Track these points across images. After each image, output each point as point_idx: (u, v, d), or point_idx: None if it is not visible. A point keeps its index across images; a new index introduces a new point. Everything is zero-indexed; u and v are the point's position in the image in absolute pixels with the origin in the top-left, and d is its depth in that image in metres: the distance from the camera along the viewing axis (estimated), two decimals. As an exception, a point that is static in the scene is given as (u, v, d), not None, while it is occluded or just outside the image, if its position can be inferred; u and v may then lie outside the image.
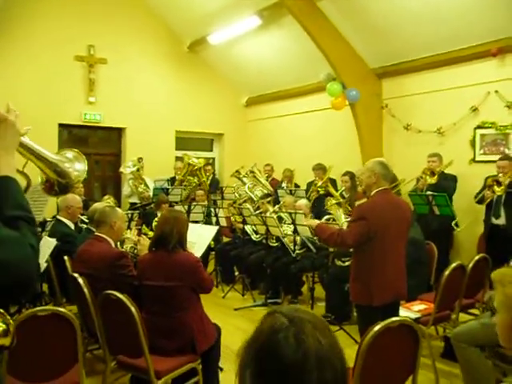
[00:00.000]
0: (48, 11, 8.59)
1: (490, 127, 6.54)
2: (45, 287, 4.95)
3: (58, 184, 1.51)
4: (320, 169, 7.78)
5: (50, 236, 4.18)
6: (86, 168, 1.65)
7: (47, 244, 3.75)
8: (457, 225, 5.95)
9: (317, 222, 3.95)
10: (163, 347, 3.09)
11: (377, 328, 2.40)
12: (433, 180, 6.04)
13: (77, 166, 1.58)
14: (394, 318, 2.49)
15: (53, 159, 1.51)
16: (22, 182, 1.46)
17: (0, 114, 1.28)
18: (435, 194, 5.81)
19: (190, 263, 3.19)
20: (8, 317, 1.72)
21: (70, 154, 1.62)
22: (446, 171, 6.38)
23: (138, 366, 3.01)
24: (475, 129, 6.71)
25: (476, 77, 6.60)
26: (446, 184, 6.18)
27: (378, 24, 7.12)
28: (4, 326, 1.68)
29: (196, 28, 9.36)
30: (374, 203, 3.51)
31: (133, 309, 2.84)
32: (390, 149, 7.89)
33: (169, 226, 3.19)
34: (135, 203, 8.61)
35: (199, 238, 3.99)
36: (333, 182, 7.58)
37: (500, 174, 5.47)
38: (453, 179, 6.33)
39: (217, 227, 4.58)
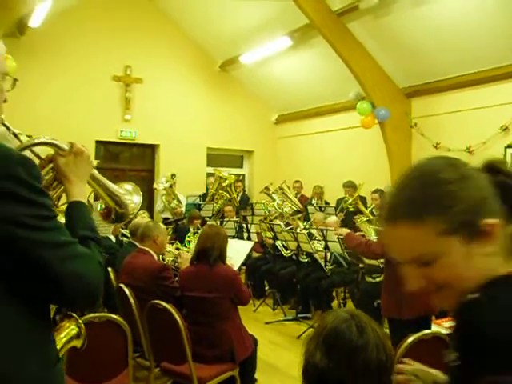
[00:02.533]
0: (89, 34, 9.01)
1: (521, 146, 6.59)
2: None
3: (115, 212, 1.68)
4: (350, 186, 7.91)
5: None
6: (141, 201, 1.82)
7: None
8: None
9: (347, 230, 4.08)
10: (204, 355, 3.26)
11: (410, 339, 2.52)
12: None
13: (135, 199, 1.75)
14: (427, 331, 2.61)
15: (115, 190, 1.68)
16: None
17: (78, 147, 1.45)
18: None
19: (230, 276, 3.38)
20: (80, 321, 1.91)
21: (129, 186, 1.80)
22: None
23: (181, 373, 3.19)
24: (506, 148, 6.75)
25: (505, 96, 6.65)
26: None
27: (407, 44, 7.27)
28: (77, 329, 1.88)
29: (228, 48, 9.66)
30: None
31: (178, 318, 3.02)
32: (419, 167, 7.95)
33: (210, 241, 3.38)
34: (168, 218, 8.85)
35: (235, 253, 4.17)
36: (363, 199, 7.69)
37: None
38: None
39: (252, 242, 4.76)
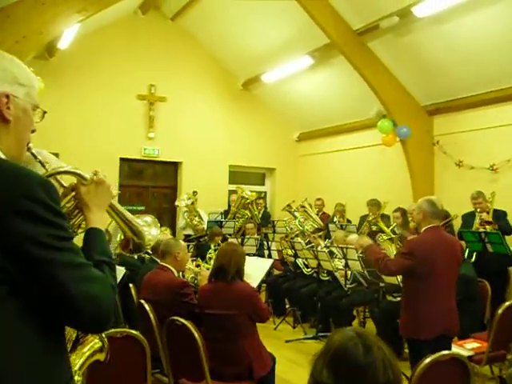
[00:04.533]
0: (115, 55, 9.27)
1: (545, 163, 6.50)
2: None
3: (133, 243, 1.71)
4: (374, 204, 7.85)
5: (118, 265, 4.50)
6: (159, 234, 1.87)
7: (118, 272, 4.06)
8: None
9: (369, 241, 4.05)
10: (222, 372, 3.28)
11: (427, 361, 2.51)
12: (492, 228, 5.98)
13: (152, 232, 1.81)
14: (445, 352, 2.59)
15: (133, 221, 1.71)
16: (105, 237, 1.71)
17: (100, 177, 1.51)
18: (488, 231, 5.79)
19: (248, 293, 3.41)
20: (103, 335, 1.98)
21: (148, 218, 1.85)
22: (496, 207, 6.32)
23: (198, 389, 3.22)
24: (530, 165, 6.68)
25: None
26: (503, 225, 6.12)
27: (428, 62, 7.28)
28: (100, 343, 1.95)
29: (250, 67, 9.81)
30: (423, 239, 3.65)
31: (196, 334, 3.06)
32: (441, 185, 7.92)
33: (227, 258, 3.43)
34: (189, 235, 8.94)
35: (255, 270, 4.20)
36: (386, 217, 7.65)
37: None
38: (504, 216, 6.28)
39: (272, 260, 4.80)
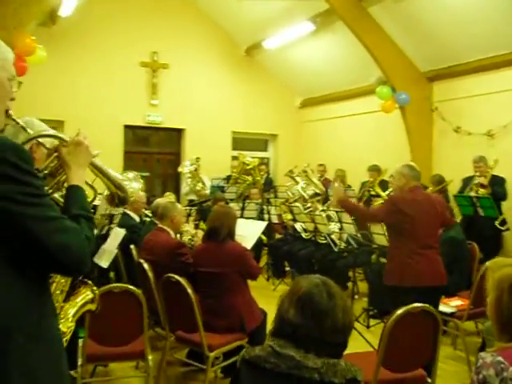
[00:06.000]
0: (117, 22, 9.32)
1: (542, 129, 6.57)
2: (111, 274, 5.54)
3: (117, 197, 1.90)
4: (375, 170, 7.99)
5: (119, 227, 4.72)
6: (141, 187, 2.05)
7: (117, 233, 4.28)
8: (502, 224, 6.01)
9: (340, 199, 4.26)
10: (215, 325, 3.53)
11: (399, 312, 2.72)
12: (486, 192, 6.11)
13: (134, 185, 1.99)
14: (416, 304, 2.79)
15: (115, 177, 1.89)
16: (92, 193, 1.88)
17: (77, 139, 1.66)
18: (479, 195, 5.94)
19: (238, 252, 3.64)
20: (94, 288, 2.20)
21: (131, 174, 2.04)
22: (494, 173, 6.44)
23: (193, 341, 3.48)
24: (526, 131, 6.75)
25: (527, 80, 6.65)
26: (499, 191, 6.24)
27: (429, 28, 7.28)
28: (92, 294, 2.17)
29: (252, 33, 9.81)
30: (405, 196, 3.88)
31: (189, 290, 3.29)
32: (439, 151, 8.03)
33: (219, 220, 3.65)
34: (193, 200, 9.16)
35: (249, 232, 4.41)
36: (386, 183, 7.78)
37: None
38: (502, 182, 6.39)
39: (266, 223, 4.99)
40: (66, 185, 1.65)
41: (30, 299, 1.35)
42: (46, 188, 1.65)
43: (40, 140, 1.74)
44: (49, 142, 1.75)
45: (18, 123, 1.62)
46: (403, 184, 3.92)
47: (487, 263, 1.93)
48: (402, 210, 3.81)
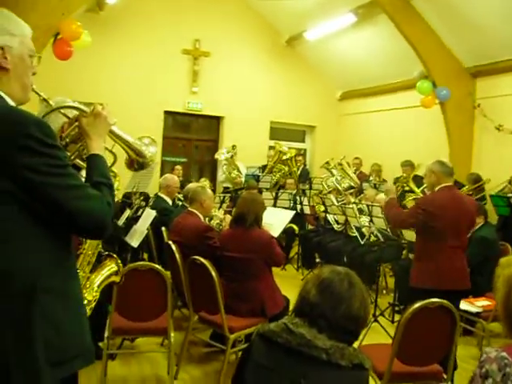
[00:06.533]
0: (162, 9, 9.48)
1: None
2: (145, 256, 5.74)
3: (136, 162, 2.01)
4: (408, 165, 7.92)
5: (151, 209, 4.89)
6: (157, 151, 2.13)
7: (148, 214, 4.44)
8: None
9: (393, 196, 4.22)
10: (238, 309, 3.63)
11: (416, 306, 2.74)
12: None
13: (151, 149, 2.07)
14: (434, 300, 2.80)
15: (133, 142, 2.00)
16: (111, 158, 1.96)
17: (96, 110, 1.77)
18: (516, 196, 5.82)
19: (264, 239, 3.71)
20: (119, 260, 2.33)
21: (146, 140, 2.13)
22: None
23: (215, 322, 3.59)
24: None
25: None
26: None
27: (474, 22, 7.10)
28: (116, 267, 2.30)
29: (294, 24, 9.80)
30: (434, 197, 3.81)
31: (213, 273, 3.40)
32: (480, 149, 7.86)
33: (247, 206, 3.73)
34: (228, 188, 9.28)
35: (277, 221, 4.48)
36: (420, 178, 7.68)
37: None
38: None
39: (293, 212, 5.02)
40: (86, 152, 1.76)
41: (55, 261, 1.49)
42: (69, 154, 1.77)
43: (62, 111, 1.85)
44: (71, 114, 1.86)
45: (40, 95, 1.74)
46: (434, 181, 3.84)
47: (500, 260, 1.93)
48: (429, 212, 3.71)
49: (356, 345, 1.75)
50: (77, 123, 1.79)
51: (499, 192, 6.40)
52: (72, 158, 1.82)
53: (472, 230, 4.34)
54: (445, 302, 2.81)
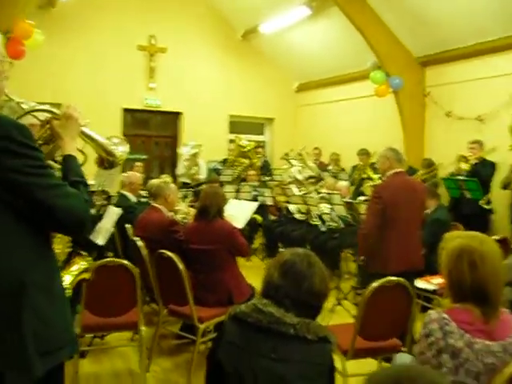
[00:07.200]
0: (115, 5, 9.40)
1: (530, 114, 6.69)
2: (110, 254, 5.73)
3: (106, 161, 2.09)
4: (364, 154, 8.20)
5: (115, 207, 4.89)
6: (128, 150, 2.22)
7: (113, 212, 4.45)
8: (488, 202, 6.15)
9: None
10: (206, 299, 3.73)
11: (375, 284, 2.91)
12: (466, 166, 6.29)
13: (120, 148, 2.15)
14: (391, 278, 2.98)
15: (103, 142, 2.08)
16: (82, 157, 2.01)
17: (67, 112, 1.85)
18: (466, 178, 6.11)
19: (227, 230, 3.83)
20: (88, 258, 2.39)
21: (116, 139, 2.20)
22: (486, 158, 6.57)
23: (184, 313, 3.67)
24: (515, 116, 6.87)
25: (515, 65, 6.76)
26: (484, 171, 6.38)
27: (422, 14, 7.37)
28: (86, 264, 2.36)
29: (249, 18, 9.89)
30: (388, 183, 3.99)
31: (180, 265, 3.48)
32: (431, 135, 8.18)
33: (209, 199, 3.84)
34: (187, 183, 9.28)
35: (240, 212, 4.59)
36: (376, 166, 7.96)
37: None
38: (491, 166, 6.52)
39: (257, 203, 5.16)
40: (58, 153, 1.83)
41: (38, 257, 1.57)
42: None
43: (34, 114, 1.91)
44: (42, 117, 1.92)
45: (12, 100, 1.79)
46: (387, 167, 4.02)
47: (445, 234, 2.10)
48: (385, 198, 3.87)
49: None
50: (48, 125, 1.85)
51: (450, 175, 6.70)
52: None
53: (424, 212, 4.55)
54: (401, 279, 2.99)
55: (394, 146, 4.14)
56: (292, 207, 7.56)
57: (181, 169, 9.61)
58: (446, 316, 1.84)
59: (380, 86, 8.00)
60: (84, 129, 1.94)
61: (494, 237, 4.79)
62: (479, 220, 6.45)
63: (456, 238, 1.96)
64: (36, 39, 6.27)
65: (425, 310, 5.01)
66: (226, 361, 1.76)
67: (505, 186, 6.07)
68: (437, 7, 7.10)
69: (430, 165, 7.01)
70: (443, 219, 5.33)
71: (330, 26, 8.90)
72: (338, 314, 5.11)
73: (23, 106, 1.86)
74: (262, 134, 11.79)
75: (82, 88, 9.09)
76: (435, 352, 1.83)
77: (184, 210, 4.72)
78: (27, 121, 1.89)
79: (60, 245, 2.17)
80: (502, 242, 4.84)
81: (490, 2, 6.50)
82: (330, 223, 6.02)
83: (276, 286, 1.78)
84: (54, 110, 1.89)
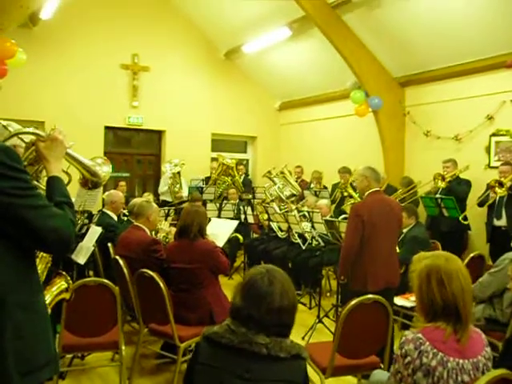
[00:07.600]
0: (98, 24, 9.44)
1: (505, 135, 6.87)
2: (91, 273, 5.70)
3: (90, 181, 2.14)
4: (346, 172, 8.30)
5: (97, 225, 4.90)
6: (111, 171, 2.27)
7: (94, 231, 4.46)
8: (465, 219, 6.26)
9: None
10: (187, 318, 3.74)
11: (353, 302, 2.96)
12: (443, 184, 6.43)
13: (104, 169, 2.20)
14: (369, 296, 3.03)
15: (87, 163, 2.13)
16: (66, 178, 2.04)
17: (53, 135, 1.89)
18: (443, 196, 6.23)
19: (208, 249, 3.85)
20: (68, 278, 2.40)
21: (99, 160, 2.25)
22: (461, 176, 6.73)
23: (165, 332, 3.67)
24: (490, 136, 7.05)
25: (492, 87, 6.94)
26: (459, 188, 6.52)
27: (400, 36, 7.57)
28: (66, 284, 2.36)
29: (231, 38, 10.03)
30: (366, 202, 4.06)
31: (161, 284, 3.49)
32: (410, 154, 8.34)
33: (190, 218, 3.86)
34: (168, 201, 9.29)
35: (221, 231, 4.63)
36: (357, 184, 8.07)
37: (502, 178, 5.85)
38: (466, 184, 6.66)
39: (237, 222, 5.19)
40: (43, 174, 1.86)
41: (22, 276, 1.59)
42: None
43: (20, 136, 1.94)
44: (27, 139, 1.96)
45: None
46: (365, 186, 4.09)
47: (413, 257, 2.16)
48: (363, 217, 3.92)
49: (302, 344, 1.88)
50: (34, 147, 1.89)
51: (427, 193, 6.82)
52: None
53: (401, 230, 4.63)
54: (379, 297, 3.04)
55: (372, 165, 4.22)
56: (274, 225, 7.61)
57: (163, 186, 9.63)
58: (420, 336, 1.89)
59: (360, 105, 8.16)
60: (69, 150, 1.97)
61: (471, 254, 4.93)
62: (456, 237, 6.59)
63: (423, 259, 2.03)
64: (19, 59, 6.28)
65: (405, 327, 5.08)
66: (200, 382, 1.79)
67: (481, 204, 6.21)
68: (415, 29, 7.31)
69: (409, 183, 7.14)
70: (421, 237, 5.43)
71: (311, 47, 9.08)
72: (319, 331, 5.14)
73: (9, 128, 1.89)
74: (244, 152, 11.87)
75: (64, 105, 9.09)
76: (411, 371, 1.89)
77: (165, 229, 4.74)
78: (12, 142, 1.93)
79: (41, 264, 2.17)
80: (478, 260, 4.98)
81: (467, 25, 6.70)
82: (311, 241, 6.07)
83: (238, 309, 1.79)
84: (40, 132, 1.92)
